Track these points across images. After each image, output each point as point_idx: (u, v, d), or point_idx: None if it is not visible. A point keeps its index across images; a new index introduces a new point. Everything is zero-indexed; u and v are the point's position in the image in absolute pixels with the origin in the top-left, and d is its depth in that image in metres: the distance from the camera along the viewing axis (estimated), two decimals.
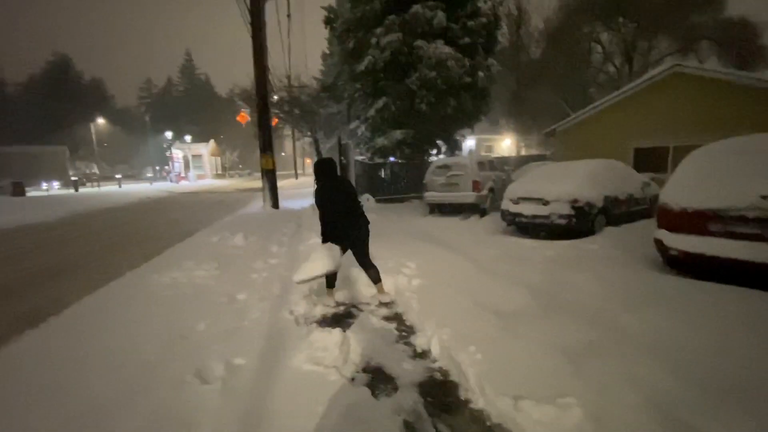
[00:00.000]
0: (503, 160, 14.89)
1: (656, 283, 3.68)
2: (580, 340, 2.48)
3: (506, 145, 32.67)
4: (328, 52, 27.85)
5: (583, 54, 21.15)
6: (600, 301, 3.23)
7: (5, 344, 3.00)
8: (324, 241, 3.44)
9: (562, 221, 5.96)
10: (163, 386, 2.26)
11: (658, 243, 4.08)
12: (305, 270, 3.17)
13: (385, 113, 12.30)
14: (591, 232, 5.91)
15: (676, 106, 9.12)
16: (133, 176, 41.48)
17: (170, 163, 36.14)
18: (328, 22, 14.80)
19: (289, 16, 11.20)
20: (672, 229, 3.97)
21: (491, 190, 9.40)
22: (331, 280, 3.65)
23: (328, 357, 2.37)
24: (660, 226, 4.14)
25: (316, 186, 3.55)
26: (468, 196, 9.01)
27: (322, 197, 3.47)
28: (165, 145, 38.21)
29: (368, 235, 3.58)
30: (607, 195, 6.10)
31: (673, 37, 19.09)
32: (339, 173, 6.04)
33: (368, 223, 3.57)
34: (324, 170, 3.51)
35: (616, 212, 6.29)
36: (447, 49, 11.30)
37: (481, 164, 9.64)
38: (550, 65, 21.09)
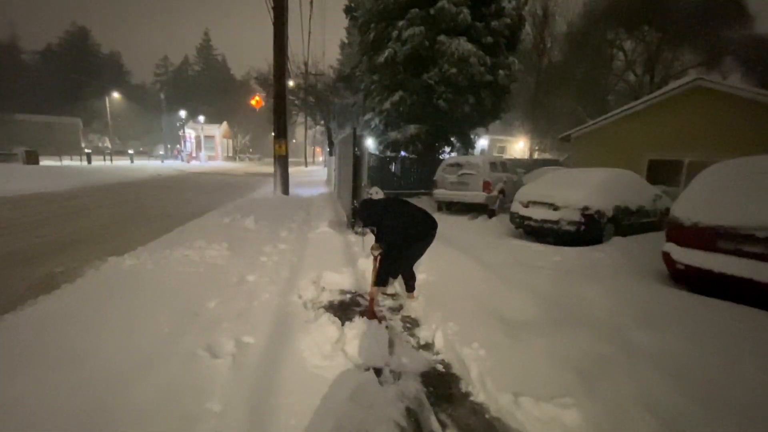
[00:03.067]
0: (515, 162, 14.83)
1: (662, 296, 3.69)
2: (585, 350, 2.51)
3: (519, 147, 32.45)
4: (346, 41, 27.69)
5: (605, 61, 20.81)
6: (605, 312, 3.24)
7: (21, 308, 3.11)
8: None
9: (571, 228, 5.97)
10: (175, 358, 2.34)
11: (666, 256, 4.09)
12: None
13: (401, 107, 12.31)
14: (599, 240, 5.91)
15: (695, 121, 9.02)
16: (145, 153, 41.81)
17: (182, 143, 36.41)
18: (348, 11, 14.75)
19: (311, 2, 11.19)
20: (681, 243, 3.98)
21: (501, 191, 9.40)
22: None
23: (337, 341, 2.45)
24: (669, 239, 4.15)
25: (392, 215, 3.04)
26: (478, 196, 9.02)
27: (406, 221, 3.07)
28: (178, 124, 38.49)
29: None
30: (617, 205, 6.09)
31: (698, 50, 18.71)
32: (353, 165, 6.11)
33: None
34: (379, 204, 3.20)
35: (625, 222, 6.28)
36: (469, 46, 11.24)
37: (493, 165, 9.63)
38: (571, 70, 20.83)
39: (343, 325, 2.66)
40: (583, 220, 5.88)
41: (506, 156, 28.31)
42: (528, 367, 2.29)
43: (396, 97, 12.19)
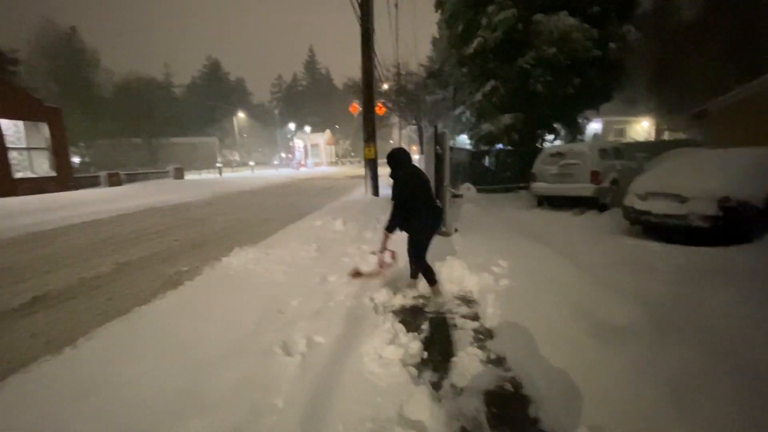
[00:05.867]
0: (634, 146, 12.77)
1: None
2: (698, 375, 2.01)
3: (643, 128, 27.92)
4: (438, 36, 27.31)
5: (762, 9, 16.49)
6: (741, 328, 2.56)
7: (153, 300, 3.79)
8: (391, 230, 3.47)
9: (705, 224, 4.88)
10: (254, 353, 2.58)
11: None
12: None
13: (493, 97, 11.63)
14: (746, 239, 4.71)
15: None
16: (264, 163, 47.71)
17: (293, 152, 40.49)
18: (438, 5, 14.49)
19: (396, 5, 11.32)
20: None
21: (614, 182, 8.19)
22: (415, 270, 3.66)
23: (397, 349, 2.39)
24: None
25: (399, 175, 3.39)
26: (584, 189, 8.01)
27: (415, 183, 3.35)
28: (288, 136, 42.89)
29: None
30: None
31: None
32: (434, 164, 5.96)
33: None
34: (407, 158, 3.50)
35: None
36: (571, 21, 10.06)
37: (604, 152, 8.45)
38: (711, 27, 17.03)
39: (407, 332, 2.59)
40: (721, 213, 4.75)
41: (626, 139, 24.63)
42: (615, 390, 1.92)
43: (488, 87, 11.54)
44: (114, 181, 17.80)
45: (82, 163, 32.46)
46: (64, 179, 15.87)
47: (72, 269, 5.10)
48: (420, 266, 3.49)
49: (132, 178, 19.52)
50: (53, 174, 15.70)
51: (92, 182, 17.39)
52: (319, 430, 1.82)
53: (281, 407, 2.02)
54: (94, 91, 32.19)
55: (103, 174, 17.98)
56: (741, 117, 8.92)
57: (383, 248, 3.59)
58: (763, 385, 1.92)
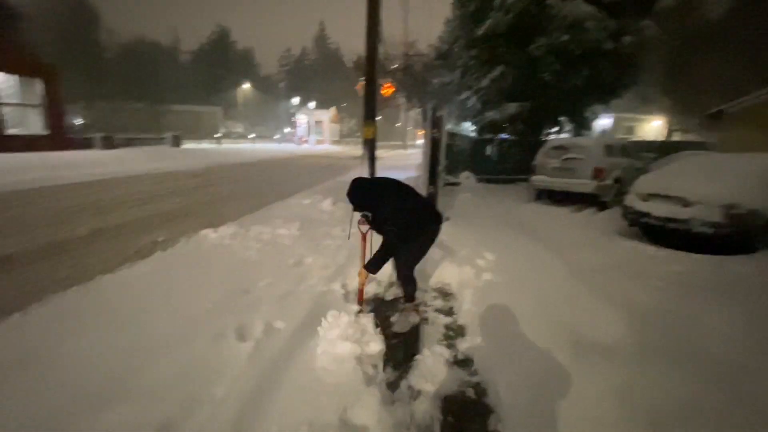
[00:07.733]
0: (642, 145, 12.37)
1: None
2: (680, 400, 1.81)
3: (654, 127, 27.31)
4: (451, 17, 26.40)
5: None
6: (735, 349, 2.34)
7: (118, 270, 3.61)
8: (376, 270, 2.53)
9: (708, 230, 4.62)
10: (205, 336, 2.40)
11: None
12: None
13: (501, 84, 11.19)
14: (750, 249, 4.48)
15: None
16: (266, 137, 47.00)
17: (295, 127, 39.86)
18: None
19: None
20: None
21: (618, 180, 7.89)
22: (410, 292, 2.92)
23: (358, 345, 2.18)
24: None
25: (389, 211, 2.47)
26: (585, 185, 7.71)
27: (411, 208, 2.54)
28: (291, 111, 42.10)
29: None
30: None
31: None
32: (430, 148, 5.67)
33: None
34: (382, 184, 2.74)
35: None
36: (587, 8, 9.55)
37: (609, 148, 8.11)
38: (733, 30, 16.33)
39: (377, 326, 2.39)
40: (727, 221, 4.50)
41: (635, 137, 24.11)
42: (586, 413, 1.73)
43: (496, 72, 11.07)
44: (108, 144, 17.43)
45: (82, 124, 32.01)
46: (57, 139, 15.50)
47: (43, 232, 4.91)
48: (409, 280, 2.74)
49: (127, 143, 19.11)
50: (46, 132, 15.35)
51: (86, 144, 17.02)
52: (254, 427, 1.63)
53: (220, 398, 1.84)
54: (96, 51, 31.45)
55: (97, 136, 17.60)
56: (758, 121, 8.53)
57: (361, 297, 2.78)
58: (758, 422, 1.72)
